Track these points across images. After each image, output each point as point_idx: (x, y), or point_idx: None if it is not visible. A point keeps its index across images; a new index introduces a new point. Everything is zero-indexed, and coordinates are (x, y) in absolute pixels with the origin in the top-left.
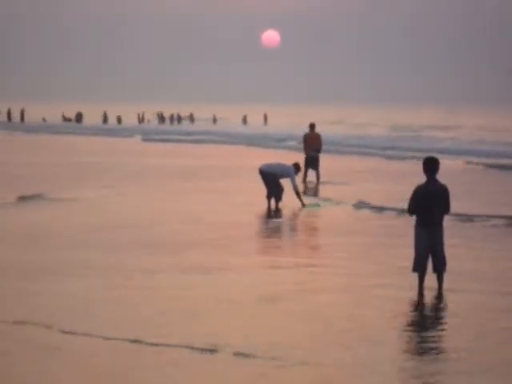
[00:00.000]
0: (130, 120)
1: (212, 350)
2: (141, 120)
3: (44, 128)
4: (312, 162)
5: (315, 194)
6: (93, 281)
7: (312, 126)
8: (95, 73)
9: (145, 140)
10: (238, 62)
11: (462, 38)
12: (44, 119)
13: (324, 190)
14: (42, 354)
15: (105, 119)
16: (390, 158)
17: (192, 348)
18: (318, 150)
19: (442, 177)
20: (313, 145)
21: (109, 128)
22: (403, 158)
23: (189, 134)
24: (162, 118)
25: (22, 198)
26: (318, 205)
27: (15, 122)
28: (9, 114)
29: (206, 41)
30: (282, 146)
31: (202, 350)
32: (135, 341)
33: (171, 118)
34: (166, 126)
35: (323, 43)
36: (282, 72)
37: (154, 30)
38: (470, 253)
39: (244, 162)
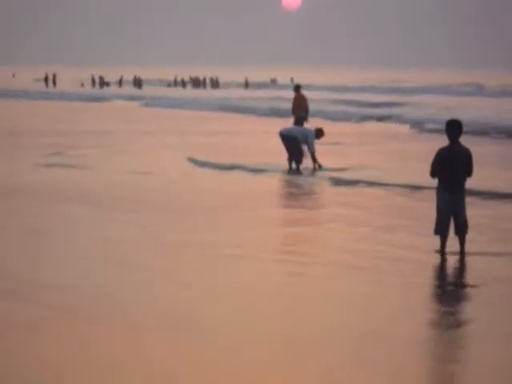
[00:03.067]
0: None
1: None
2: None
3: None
4: (302, 123)
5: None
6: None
7: (297, 88)
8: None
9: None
10: (259, 24)
11: None
12: (82, 84)
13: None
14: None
15: (136, 83)
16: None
17: None
18: (307, 111)
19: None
20: (301, 106)
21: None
22: None
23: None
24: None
25: None
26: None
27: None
28: (46, 79)
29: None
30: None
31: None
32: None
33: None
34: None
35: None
36: (305, 34)
37: None
38: None
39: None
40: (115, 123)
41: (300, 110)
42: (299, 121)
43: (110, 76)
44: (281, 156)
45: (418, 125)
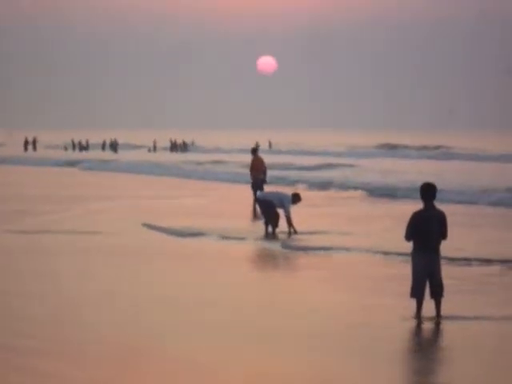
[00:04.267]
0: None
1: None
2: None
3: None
4: (261, 185)
5: None
6: None
7: (254, 150)
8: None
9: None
10: (235, 89)
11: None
12: (66, 147)
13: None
14: None
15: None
16: None
17: None
18: (265, 173)
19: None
20: (259, 168)
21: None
22: None
23: None
24: (174, 146)
25: None
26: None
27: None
28: (25, 143)
29: (202, 68)
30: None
31: None
32: None
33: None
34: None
35: (319, 68)
36: (279, 98)
37: (146, 56)
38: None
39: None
40: (76, 189)
41: (258, 172)
42: (259, 183)
43: (94, 139)
44: (243, 221)
45: (362, 187)
